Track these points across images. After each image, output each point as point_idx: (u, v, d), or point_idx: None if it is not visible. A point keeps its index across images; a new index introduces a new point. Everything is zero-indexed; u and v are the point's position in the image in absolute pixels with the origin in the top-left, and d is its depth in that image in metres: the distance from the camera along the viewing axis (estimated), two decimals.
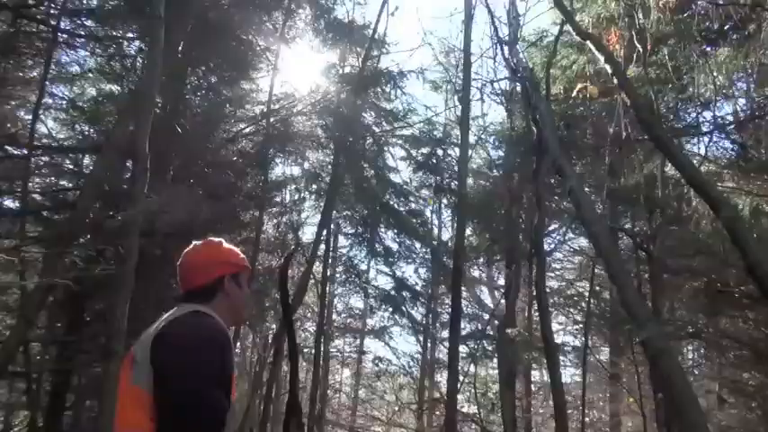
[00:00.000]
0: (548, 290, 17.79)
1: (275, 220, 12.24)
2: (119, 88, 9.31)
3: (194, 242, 2.32)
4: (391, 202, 13.48)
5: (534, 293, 16.84)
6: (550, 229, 15.10)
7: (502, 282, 17.93)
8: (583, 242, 15.52)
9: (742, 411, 9.23)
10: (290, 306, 7.78)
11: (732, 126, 7.94)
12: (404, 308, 13.79)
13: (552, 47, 10.06)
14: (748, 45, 6.48)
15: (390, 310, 13.69)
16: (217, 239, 2.37)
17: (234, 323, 2.48)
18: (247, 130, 10.79)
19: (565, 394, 9.93)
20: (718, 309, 7.89)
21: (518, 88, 13.20)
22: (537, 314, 17.05)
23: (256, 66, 10.76)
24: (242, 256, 2.39)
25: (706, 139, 8.82)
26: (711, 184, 3.83)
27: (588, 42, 6.08)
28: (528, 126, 11.11)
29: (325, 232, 11.36)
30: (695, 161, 8.23)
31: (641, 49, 8.08)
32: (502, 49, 11.75)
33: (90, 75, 9.35)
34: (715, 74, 7.04)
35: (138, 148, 4.22)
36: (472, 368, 12.74)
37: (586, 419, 10.52)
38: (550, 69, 8.84)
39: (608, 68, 4.52)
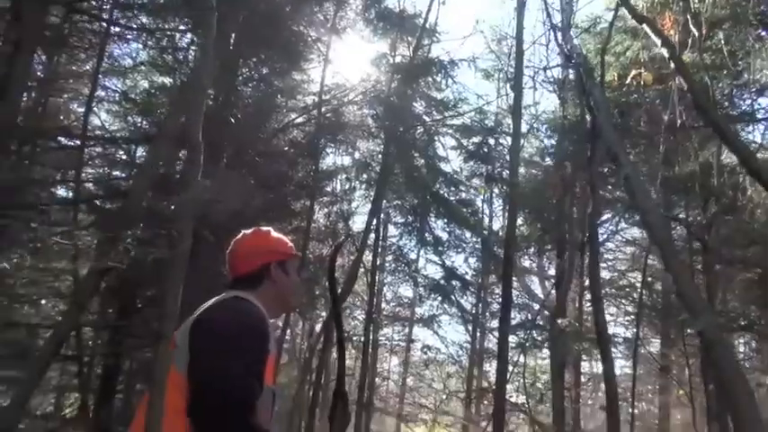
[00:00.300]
0: (600, 280, 17.62)
1: (326, 210, 12.35)
2: (171, 80, 9.46)
3: (244, 231, 2.38)
4: (441, 192, 13.46)
5: (586, 284, 16.71)
6: (603, 218, 14.90)
7: (552, 272, 17.81)
8: (635, 232, 15.29)
9: None
10: (339, 295, 7.85)
11: None
12: (453, 297, 13.78)
13: (606, 32, 9.91)
14: None
15: (439, 298, 13.69)
16: (265, 228, 2.41)
17: (282, 310, 2.50)
18: (299, 120, 10.89)
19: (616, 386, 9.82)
20: None
21: (571, 75, 13.05)
22: (588, 305, 16.92)
23: (307, 57, 10.83)
24: (290, 244, 2.42)
25: (762, 126, 8.59)
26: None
27: (644, 26, 5.96)
28: (581, 114, 10.95)
29: (375, 221, 11.41)
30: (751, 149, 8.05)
31: (696, 34, 7.88)
32: (555, 36, 11.60)
33: (142, 67, 9.51)
34: None
35: (191, 137, 4.29)
36: (521, 358, 12.71)
37: (635, 411, 10.36)
38: (604, 56, 8.69)
39: (664, 53, 4.43)
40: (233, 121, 8.89)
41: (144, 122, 9.59)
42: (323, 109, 11.03)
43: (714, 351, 1.94)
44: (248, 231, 2.40)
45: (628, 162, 4.05)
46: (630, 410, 9.55)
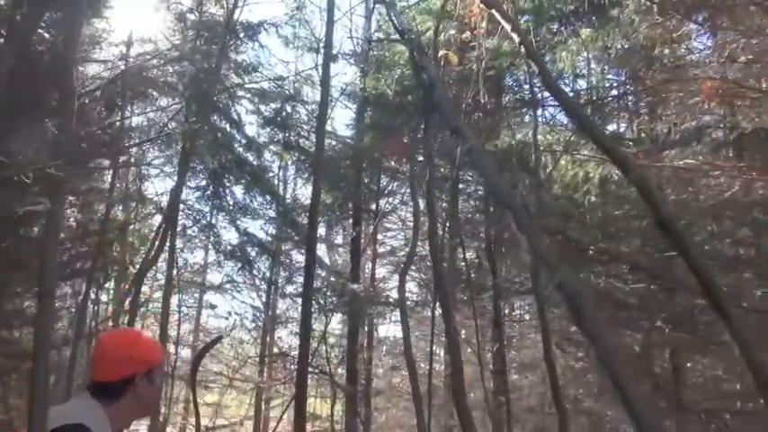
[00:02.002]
0: (389, 247, 18.57)
1: (123, 170, 11.64)
2: None
3: (113, 331, 2.36)
4: (243, 156, 13.29)
5: (380, 251, 17.53)
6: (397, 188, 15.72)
7: (339, 240, 18.42)
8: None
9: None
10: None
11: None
12: (249, 263, 13.74)
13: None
14: (607, 27, 7.15)
15: (237, 264, 13.60)
16: (135, 331, 2.42)
17: (138, 417, 2.52)
18: (101, 73, 10.13)
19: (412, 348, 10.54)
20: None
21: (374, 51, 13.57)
22: (381, 271, 17.83)
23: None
24: (158, 348, 2.41)
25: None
26: (618, 146, 4.29)
27: (493, 11, 6.37)
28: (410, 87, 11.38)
29: (179, 184, 11.01)
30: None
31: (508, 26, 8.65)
32: (388, 12, 11.89)
33: None
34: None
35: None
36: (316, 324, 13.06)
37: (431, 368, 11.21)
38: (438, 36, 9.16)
39: (514, 37, 4.82)
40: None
41: None
42: (125, 62, 10.35)
43: (575, 302, 2.26)
44: (118, 332, 2.41)
45: (470, 135, 4.38)
46: (428, 367, 10.29)
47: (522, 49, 4.91)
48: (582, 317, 2.49)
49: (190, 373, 7.65)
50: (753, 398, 7.73)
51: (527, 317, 15.41)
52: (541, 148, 8.20)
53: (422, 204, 8.60)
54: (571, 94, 9.20)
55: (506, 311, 14.09)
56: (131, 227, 12.21)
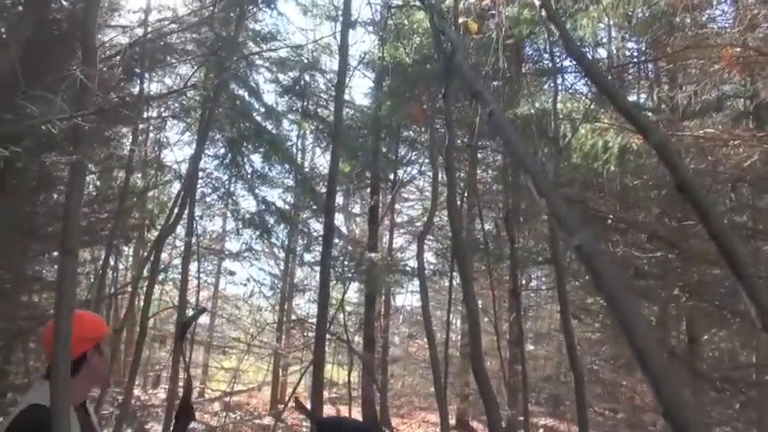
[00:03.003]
0: (406, 217, 18.60)
1: (142, 137, 11.71)
2: None
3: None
4: (261, 125, 13.29)
5: (397, 220, 17.54)
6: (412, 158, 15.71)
7: (357, 210, 18.47)
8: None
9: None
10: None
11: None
12: (268, 231, 13.81)
13: None
14: None
15: (255, 232, 13.67)
16: (78, 312, 2.48)
17: (97, 386, 2.70)
18: (120, 39, 10.12)
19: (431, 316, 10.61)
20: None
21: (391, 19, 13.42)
22: (398, 239, 17.87)
23: None
24: (102, 322, 2.64)
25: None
26: (639, 111, 4.25)
27: None
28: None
29: (199, 152, 11.04)
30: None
31: None
32: None
33: None
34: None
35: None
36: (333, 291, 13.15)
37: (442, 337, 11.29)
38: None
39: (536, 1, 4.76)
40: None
41: None
42: (144, 29, 10.34)
43: (594, 264, 2.26)
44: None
45: (491, 99, 4.34)
46: (445, 337, 10.40)
47: (543, 13, 4.84)
48: (601, 279, 2.50)
49: (174, 344, 7.70)
50: None
51: (543, 288, 15.44)
52: (561, 116, 8.14)
53: (441, 173, 8.58)
54: None
55: (523, 282, 14.12)
56: (150, 194, 12.31)
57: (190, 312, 13.02)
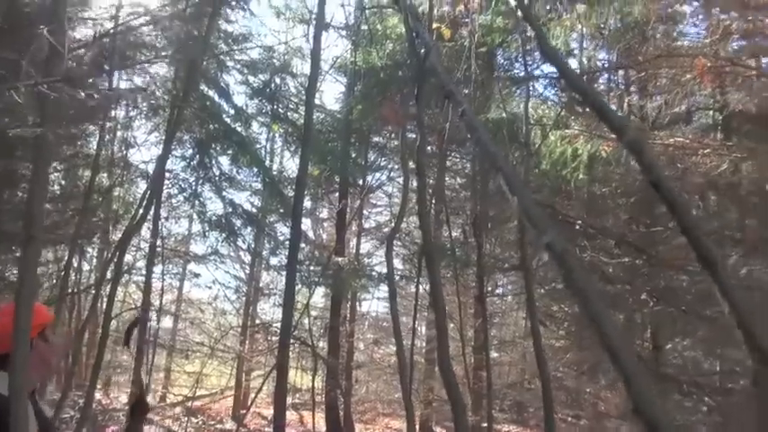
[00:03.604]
0: (374, 223, 18.57)
1: (109, 136, 11.53)
2: None
3: None
4: (231, 126, 13.16)
5: (365, 226, 17.48)
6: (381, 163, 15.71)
7: (324, 215, 18.40)
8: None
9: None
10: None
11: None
12: (234, 234, 13.68)
13: None
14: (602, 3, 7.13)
15: (222, 235, 13.53)
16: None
17: (47, 374, 2.70)
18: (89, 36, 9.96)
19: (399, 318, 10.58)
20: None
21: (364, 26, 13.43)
22: (365, 245, 17.83)
23: None
24: (44, 309, 2.64)
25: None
26: (612, 110, 4.29)
27: None
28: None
29: (165, 154, 10.88)
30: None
31: None
32: None
33: None
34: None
35: None
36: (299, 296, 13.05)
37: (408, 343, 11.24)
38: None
39: (512, 2, 4.81)
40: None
41: None
42: (114, 23, 10.17)
43: (564, 260, 2.28)
44: (4, 307, 2.46)
45: (463, 99, 4.37)
46: (411, 343, 10.35)
47: (519, 13, 4.88)
48: (572, 276, 2.50)
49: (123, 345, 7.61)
50: (733, 378, 7.87)
51: (509, 296, 15.52)
52: (531, 122, 8.22)
53: (411, 178, 8.58)
54: None
55: (489, 288, 14.17)
56: (116, 193, 12.11)
57: (153, 317, 12.86)
